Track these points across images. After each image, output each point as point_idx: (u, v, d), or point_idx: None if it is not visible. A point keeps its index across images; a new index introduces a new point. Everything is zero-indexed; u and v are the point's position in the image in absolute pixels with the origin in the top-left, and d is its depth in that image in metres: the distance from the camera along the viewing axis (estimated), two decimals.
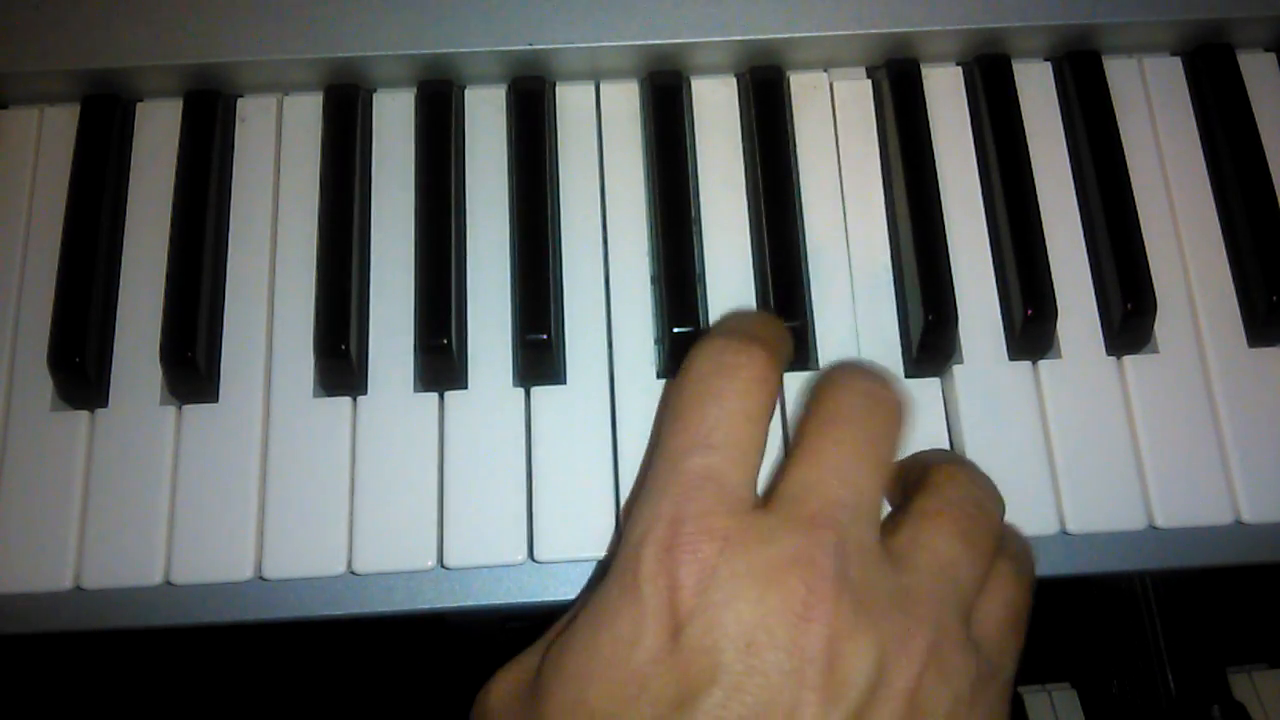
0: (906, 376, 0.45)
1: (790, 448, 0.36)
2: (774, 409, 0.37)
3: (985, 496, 0.38)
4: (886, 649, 0.32)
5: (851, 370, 0.38)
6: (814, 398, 0.37)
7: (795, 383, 0.44)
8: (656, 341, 0.45)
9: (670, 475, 0.35)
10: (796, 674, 0.31)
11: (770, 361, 0.36)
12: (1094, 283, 0.46)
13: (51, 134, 0.48)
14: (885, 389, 0.37)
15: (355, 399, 0.44)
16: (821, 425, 0.36)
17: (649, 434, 0.43)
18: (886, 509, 0.38)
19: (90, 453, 0.43)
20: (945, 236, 0.45)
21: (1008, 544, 0.38)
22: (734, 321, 0.42)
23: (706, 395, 0.36)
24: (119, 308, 0.45)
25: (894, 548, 0.35)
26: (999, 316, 0.45)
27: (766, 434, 0.36)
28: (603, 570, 0.42)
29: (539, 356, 0.44)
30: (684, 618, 0.32)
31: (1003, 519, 0.38)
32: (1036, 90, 0.49)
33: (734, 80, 0.49)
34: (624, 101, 0.49)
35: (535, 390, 0.44)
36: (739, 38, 0.48)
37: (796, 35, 0.48)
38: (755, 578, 0.32)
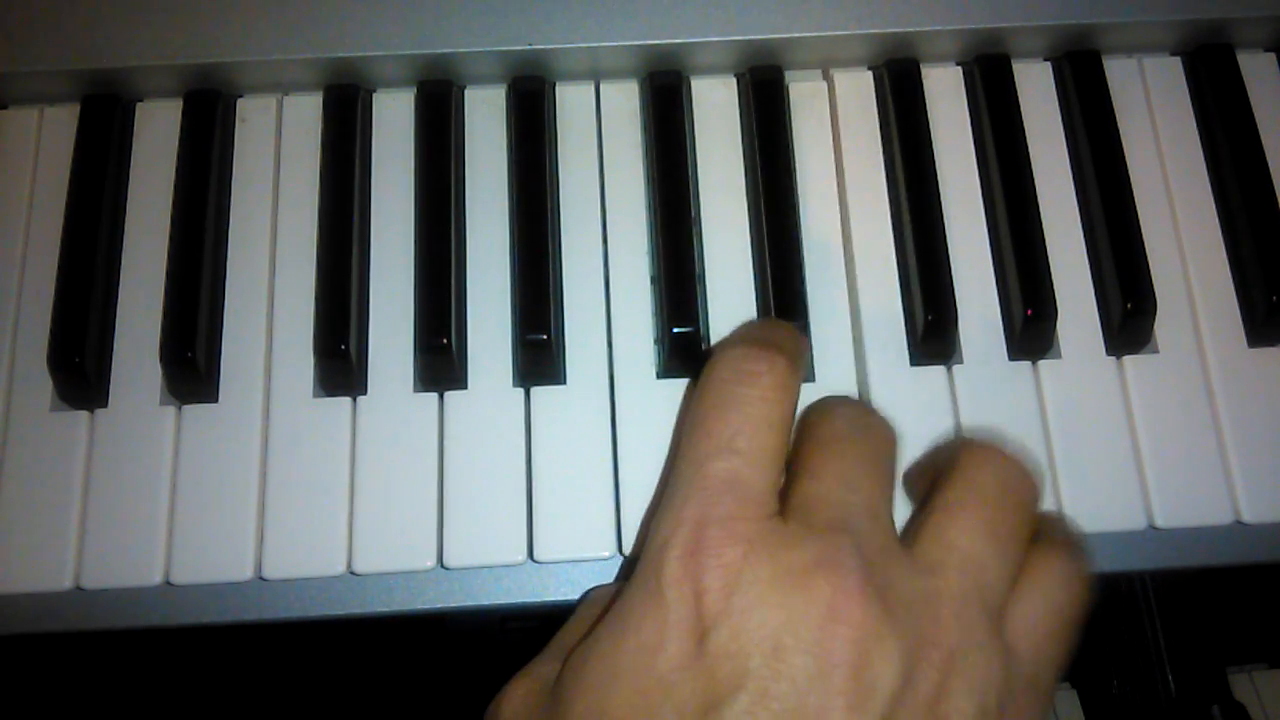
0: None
1: (789, 471, 0.36)
2: (794, 417, 0.37)
3: (1015, 479, 0.36)
4: (911, 654, 0.32)
5: (837, 399, 0.38)
6: (805, 425, 0.37)
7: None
8: (656, 341, 0.45)
9: (694, 480, 0.34)
10: (823, 678, 0.31)
11: (790, 369, 0.36)
12: (1094, 283, 0.46)
13: (51, 134, 0.48)
14: (873, 415, 0.37)
15: (355, 399, 0.44)
16: (817, 446, 0.36)
17: (649, 434, 0.43)
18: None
19: (90, 453, 0.43)
20: (945, 236, 0.45)
21: (1055, 533, 0.37)
22: (752, 329, 0.42)
23: (729, 402, 0.35)
24: (119, 308, 0.45)
25: (917, 548, 0.34)
26: (999, 316, 0.45)
27: (788, 442, 0.36)
28: (605, 573, 0.42)
29: (539, 356, 0.44)
30: (709, 623, 0.32)
31: (1038, 502, 0.36)
32: (1036, 90, 0.49)
33: (734, 80, 0.49)
34: (624, 101, 0.49)
35: (535, 390, 0.44)
36: (739, 38, 0.48)
37: (796, 35, 0.48)
38: (780, 582, 0.32)
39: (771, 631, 0.31)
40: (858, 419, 0.37)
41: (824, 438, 0.36)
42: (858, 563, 0.32)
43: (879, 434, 0.37)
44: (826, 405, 0.38)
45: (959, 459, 0.36)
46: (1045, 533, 0.37)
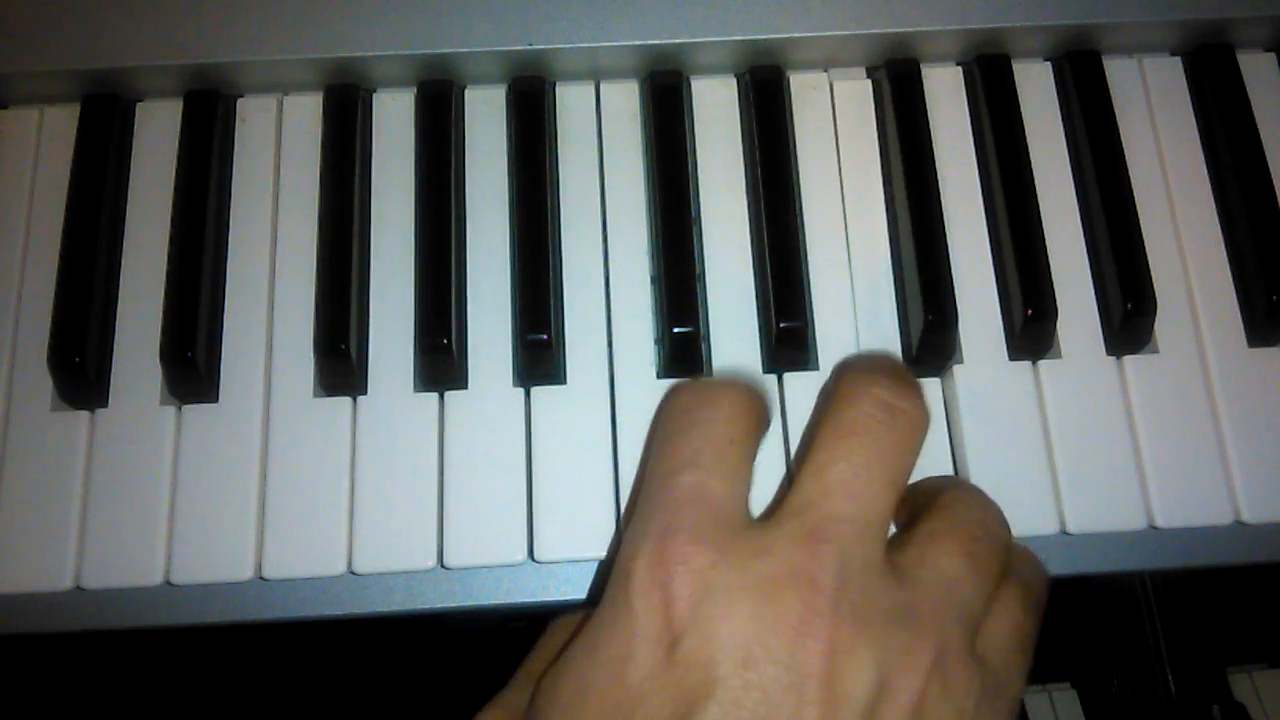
0: None
1: (799, 457, 0.36)
2: (759, 442, 0.37)
3: (991, 519, 0.37)
4: (888, 664, 0.32)
5: (868, 376, 0.36)
6: (827, 404, 0.37)
7: (798, 382, 0.44)
8: (656, 341, 0.45)
9: (659, 494, 0.35)
10: (795, 689, 0.31)
11: (750, 394, 0.37)
12: (1094, 283, 0.46)
13: (51, 134, 0.48)
14: (903, 399, 0.36)
15: (355, 399, 0.44)
16: (831, 437, 0.35)
17: (648, 435, 0.43)
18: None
19: (90, 453, 0.43)
20: (945, 236, 0.45)
21: (1018, 568, 0.38)
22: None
23: (692, 424, 0.36)
24: (119, 308, 0.45)
25: (899, 565, 0.35)
26: (999, 316, 0.45)
27: (753, 461, 0.36)
28: (603, 572, 0.42)
29: (539, 356, 0.44)
30: (678, 631, 0.32)
31: (1009, 542, 0.38)
32: (1036, 90, 0.49)
33: (734, 80, 0.49)
34: (624, 101, 0.49)
35: (535, 390, 0.44)
36: (739, 38, 0.48)
37: (796, 35, 0.48)
38: (750, 591, 0.32)
39: (742, 641, 0.31)
40: (882, 405, 0.35)
41: (841, 427, 0.35)
42: (834, 576, 0.32)
43: (905, 423, 0.36)
44: (852, 384, 0.36)
45: (940, 496, 0.37)
46: (1010, 563, 0.38)
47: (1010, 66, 0.49)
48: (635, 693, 0.32)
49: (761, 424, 0.38)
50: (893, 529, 0.38)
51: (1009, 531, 0.38)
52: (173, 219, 0.46)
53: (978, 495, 0.38)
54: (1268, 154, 0.47)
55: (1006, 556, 0.37)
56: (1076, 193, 0.47)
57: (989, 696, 0.34)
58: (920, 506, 0.38)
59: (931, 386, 0.44)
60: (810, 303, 0.45)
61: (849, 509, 0.34)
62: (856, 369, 0.37)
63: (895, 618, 0.33)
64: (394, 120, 0.48)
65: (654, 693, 0.31)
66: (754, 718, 0.31)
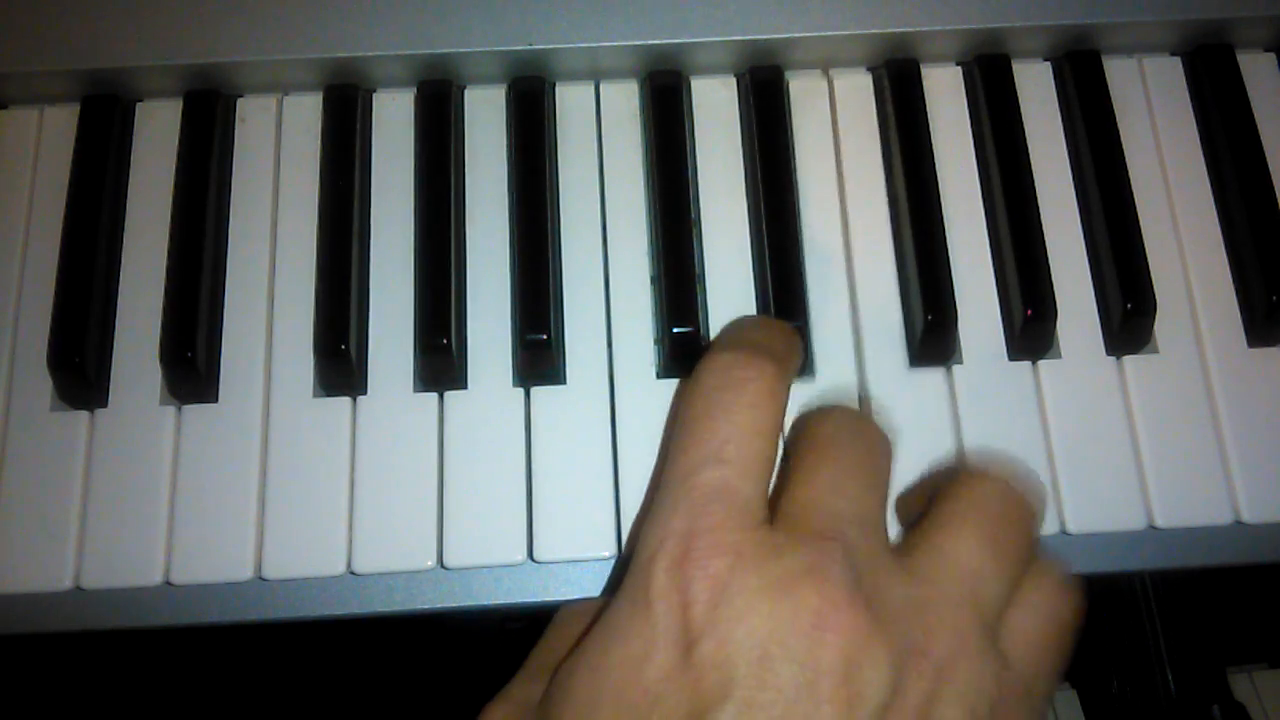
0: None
1: (783, 475, 0.36)
2: (783, 422, 0.37)
3: (1012, 499, 0.36)
4: (901, 661, 0.32)
5: (835, 407, 0.38)
6: (801, 430, 0.38)
7: (797, 390, 0.44)
8: (656, 341, 0.45)
9: (681, 490, 0.34)
10: (811, 687, 0.31)
11: (779, 374, 0.36)
12: (1094, 283, 0.46)
13: (51, 134, 0.48)
14: (868, 421, 0.38)
15: (355, 399, 0.44)
16: (811, 450, 0.36)
17: (649, 434, 0.43)
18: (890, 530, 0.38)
19: (90, 453, 0.43)
20: (945, 236, 0.45)
21: (1047, 555, 0.37)
22: (741, 332, 0.42)
23: (716, 410, 0.36)
24: (119, 308, 0.45)
25: (911, 559, 0.34)
26: (999, 316, 0.45)
27: (777, 447, 0.36)
28: (605, 573, 0.42)
29: (539, 356, 0.44)
30: (696, 634, 0.32)
31: (1038, 524, 0.37)
32: (1036, 90, 0.49)
33: (734, 80, 0.49)
34: (624, 101, 0.49)
35: (535, 390, 0.44)
36: (739, 38, 0.48)
37: (796, 35, 0.48)
38: (767, 591, 0.32)
39: (758, 641, 0.31)
40: (851, 424, 0.37)
41: (817, 441, 0.36)
42: (845, 570, 0.32)
43: (873, 440, 0.37)
44: (822, 409, 0.38)
45: (960, 476, 0.37)
46: (1039, 554, 0.37)
47: (1010, 66, 0.49)
48: (652, 693, 0.31)
49: (785, 404, 0.37)
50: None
51: (1037, 513, 0.37)
52: (172, 219, 0.46)
53: (1000, 474, 0.37)
54: (1268, 154, 0.47)
55: (1032, 538, 0.36)
56: (1076, 193, 0.47)
57: (1007, 697, 0.33)
58: (940, 485, 0.37)
59: (933, 382, 0.44)
60: (809, 303, 0.45)
61: (844, 506, 0.34)
62: (822, 405, 0.39)
63: (907, 614, 0.33)
64: (394, 120, 0.48)
65: (670, 694, 0.31)
66: (769, 717, 0.31)
